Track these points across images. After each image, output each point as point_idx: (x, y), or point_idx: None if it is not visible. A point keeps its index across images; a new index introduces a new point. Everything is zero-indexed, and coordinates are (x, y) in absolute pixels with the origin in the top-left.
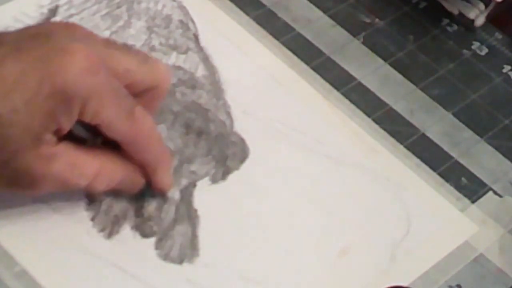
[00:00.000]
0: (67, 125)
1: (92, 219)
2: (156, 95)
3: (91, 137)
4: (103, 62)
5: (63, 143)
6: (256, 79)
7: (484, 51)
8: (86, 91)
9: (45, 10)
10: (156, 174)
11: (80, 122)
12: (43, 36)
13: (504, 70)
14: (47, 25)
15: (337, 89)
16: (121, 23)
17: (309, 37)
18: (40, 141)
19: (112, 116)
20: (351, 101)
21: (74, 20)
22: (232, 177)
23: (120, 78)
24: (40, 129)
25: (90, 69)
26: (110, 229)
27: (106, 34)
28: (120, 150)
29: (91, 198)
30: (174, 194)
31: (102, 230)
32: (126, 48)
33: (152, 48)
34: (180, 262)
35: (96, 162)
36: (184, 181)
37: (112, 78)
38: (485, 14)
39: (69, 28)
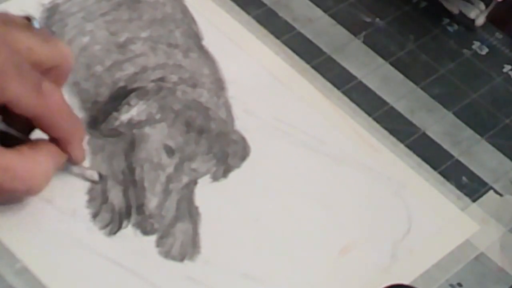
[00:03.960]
0: None
1: (93, 217)
2: (60, 73)
3: (20, 134)
4: (2, 39)
5: None
6: (257, 78)
7: (485, 50)
8: None
9: (47, 6)
10: (70, 147)
11: (5, 121)
12: None
13: (505, 70)
14: None
15: (338, 88)
16: (121, 22)
17: (309, 36)
18: None
19: (19, 92)
20: (351, 100)
21: (75, 18)
22: (233, 175)
23: (22, 56)
24: None
25: None
26: (111, 226)
27: (104, 33)
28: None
29: (92, 195)
30: (175, 191)
31: (103, 227)
32: (27, 27)
33: (153, 47)
34: (181, 259)
35: (28, 161)
36: (185, 179)
37: (14, 54)
38: (486, 13)
39: None
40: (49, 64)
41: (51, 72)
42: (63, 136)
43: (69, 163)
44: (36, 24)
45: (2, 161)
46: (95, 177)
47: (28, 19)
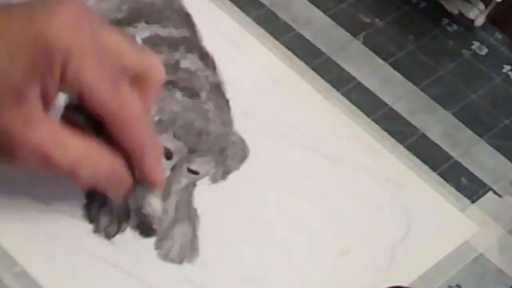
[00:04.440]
0: (50, 85)
1: (92, 220)
2: (148, 87)
3: (88, 126)
4: (93, 26)
5: (49, 116)
6: (256, 79)
7: (484, 51)
8: (68, 45)
9: None
10: (143, 163)
11: (78, 110)
12: None
13: (504, 70)
14: None
15: (337, 89)
16: (120, 23)
17: (309, 37)
18: (22, 99)
19: (94, 81)
20: (351, 101)
21: None
22: (232, 177)
23: (111, 54)
24: (22, 83)
25: (76, 24)
26: (110, 229)
27: None
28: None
29: (90, 197)
30: (174, 193)
31: (102, 230)
32: (121, 31)
33: (152, 48)
34: (180, 262)
35: (82, 144)
36: (184, 181)
37: (99, 45)
38: (485, 14)
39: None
40: (135, 70)
41: (138, 84)
42: (136, 148)
43: (146, 183)
44: (138, 40)
45: (58, 133)
46: (159, 211)
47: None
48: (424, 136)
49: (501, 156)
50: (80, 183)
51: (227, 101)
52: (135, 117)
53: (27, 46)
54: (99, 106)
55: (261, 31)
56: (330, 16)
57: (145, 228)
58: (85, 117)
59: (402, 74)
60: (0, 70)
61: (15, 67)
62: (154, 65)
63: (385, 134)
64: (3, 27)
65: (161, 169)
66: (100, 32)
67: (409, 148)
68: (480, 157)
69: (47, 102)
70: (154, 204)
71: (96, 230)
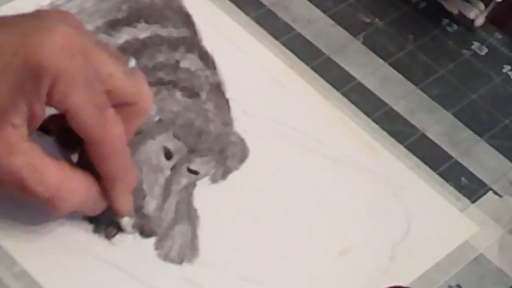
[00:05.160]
0: (36, 107)
1: (92, 220)
2: (134, 112)
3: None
4: (85, 52)
5: (32, 142)
6: (256, 79)
7: (484, 51)
8: (57, 68)
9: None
10: (114, 190)
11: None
12: (32, 16)
13: (504, 70)
14: (42, 10)
15: (337, 89)
16: (120, 23)
17: (309, 37)
18: (5, 121)
19: (81, 103)
20: (351, 101)
21: None
22: (232, 177)
23: (101, 80)
24: (7, 103)
25: (67, 49)
26: (110, 229)
27: (104, 34)
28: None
29: None
30: (174, 193)
31: (102, 230)
32: (116, 54)
33: (152, 48)
34: (180, 262)
35: (59, 173)
36: (184, 181)
37: (90, 70)
38: (485, 14)
39: (61, 14)
40: (124, 97)
41: (126, 108)
42: (111, 174)
43: (112, 211)
44: (132, 63)
45: (36, 161)
46: (128, 228)
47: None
48: (424, 136)
49: (501, 156)
50: (56, 212)
51: (227, 101)
52: (115, 147)
53: (16, 66)
54: (82, 129)
55: (261, 31)
56: (330, 16)
57: (145, 229)
58: (55, 138)
59: (402, 74)
60: None
61: (1, 86)
62: (143, 93)
63: (385, 134)
64: None
65: (129, 200)
66: (92, 56)
67: (409, 148)
68: (480, 157)
69: (32, 124)
70: (123, 222)
71: (96, 230)
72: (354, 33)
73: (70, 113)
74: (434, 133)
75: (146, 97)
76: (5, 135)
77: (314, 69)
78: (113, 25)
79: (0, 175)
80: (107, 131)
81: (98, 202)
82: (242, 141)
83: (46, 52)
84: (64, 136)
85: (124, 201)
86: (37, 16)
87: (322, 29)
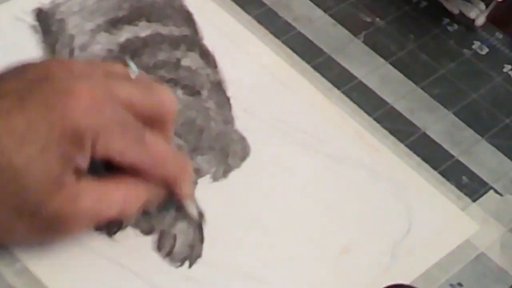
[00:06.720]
0: (83, 162)
1: None
2: (164, 119)
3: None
4: (107, 95)
5: (84, 180)
6: (257, 78)
7: (485, 50)
8: (94, 127)
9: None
10: (179, 187)
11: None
12: (43, 80)
13: (505, 70)
14: (45, 65)
15: (338, 88)
16: (121, 21)
17: (310, 36)
18: (61, 184)
19: (123, 147)
20: (351, 100)
21: (74, 18)
22: (233, 175)
23: (123, 107)
24: (59, 172)
25: (95, 106)
26: (111, 226)
27: (105, 32)
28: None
29: None
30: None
31: (103, 227)
32: (127, 77)
33: (153, 46)
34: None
35: (121, 190)
36: None
37: (117, 109)
38: (486, 13)
39: (66, 66)
40: (150, 115)
41: (155, 124)
42: (170, 178)
43: (177, 201)
44: (134, 68)
45: (96, 190)
46: (195, 214)
47: (125, 63)
48: (425, 135)
49: (501, 155)
50: (128, 219)
51: (228, 99)
52: (164, 158)
53: (56, 139)
54: (132, 164)
55: (262, 30)
56: (331, 15)
57: (146, 226)
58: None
59: (402, 73)
60: (36, 168)
61: (49, 162)
62: (164, 100)
63: (386, 133)
64: (24, 124)
65: (190, 186)
66: (112, 90)
67: (410, 147)
68: (481, 156)
69: (79, 172)
70: (189, 206)
71: (98, 227)
72: (355, 32)
73: (116, 159)
74: (435, 132)
75: (168, 103)
76: (66, 193)
77: (315, 68)
78: (114, 23)
79: (78, 224)
80: (153, 153)
81: (159, 193)
82: (243, 139)
83: (78, 117)
84: None
85: (186, 190)
86: (47, 77)
87: (323, 28)
